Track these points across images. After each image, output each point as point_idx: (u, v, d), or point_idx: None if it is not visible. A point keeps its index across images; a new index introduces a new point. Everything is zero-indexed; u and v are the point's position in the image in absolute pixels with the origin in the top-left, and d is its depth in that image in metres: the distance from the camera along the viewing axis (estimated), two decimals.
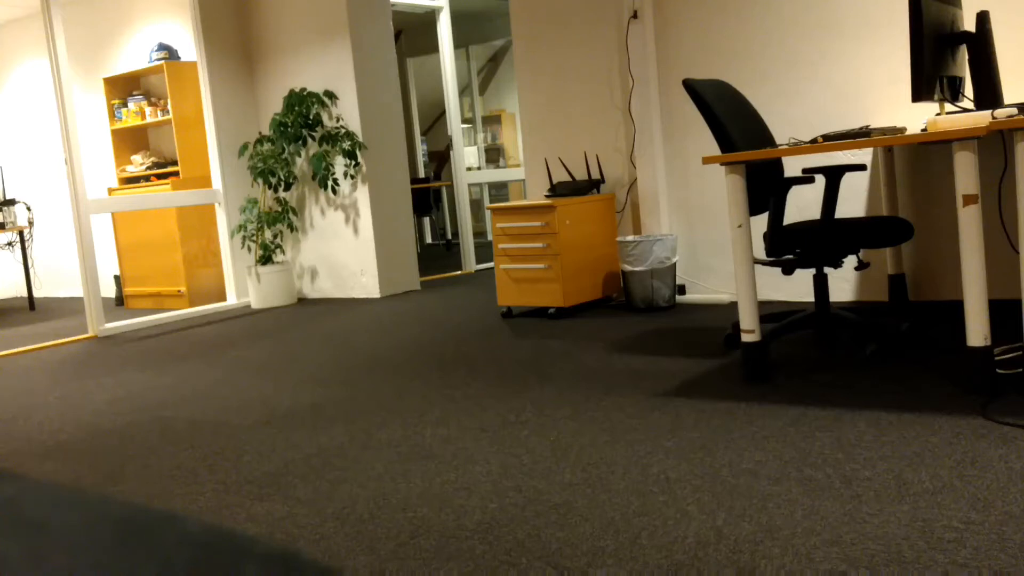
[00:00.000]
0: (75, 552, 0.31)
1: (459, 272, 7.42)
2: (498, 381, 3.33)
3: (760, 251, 4.39)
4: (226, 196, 6.38)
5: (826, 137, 2.90)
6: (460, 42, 10.30)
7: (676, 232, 4.82)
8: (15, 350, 5.30)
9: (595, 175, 5.07)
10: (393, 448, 2.60)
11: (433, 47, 8.05)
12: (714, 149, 4.63)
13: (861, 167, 3.19)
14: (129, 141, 7.37)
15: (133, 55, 7.37)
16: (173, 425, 3.13)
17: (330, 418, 3.02)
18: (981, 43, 3.04)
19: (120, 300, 7.37)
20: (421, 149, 11.19)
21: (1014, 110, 2.55)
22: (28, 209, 7.69)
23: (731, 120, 3.15)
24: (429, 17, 9.40)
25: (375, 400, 3.21)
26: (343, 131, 6.03)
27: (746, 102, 3.47)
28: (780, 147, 2.98)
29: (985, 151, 3.82)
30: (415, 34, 10.73)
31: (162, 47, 6.83)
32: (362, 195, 6.10)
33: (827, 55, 4.22)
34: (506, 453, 2.45)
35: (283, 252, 6.55)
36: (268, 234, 6.44)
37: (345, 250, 6.27)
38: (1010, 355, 2.93)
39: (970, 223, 2.52)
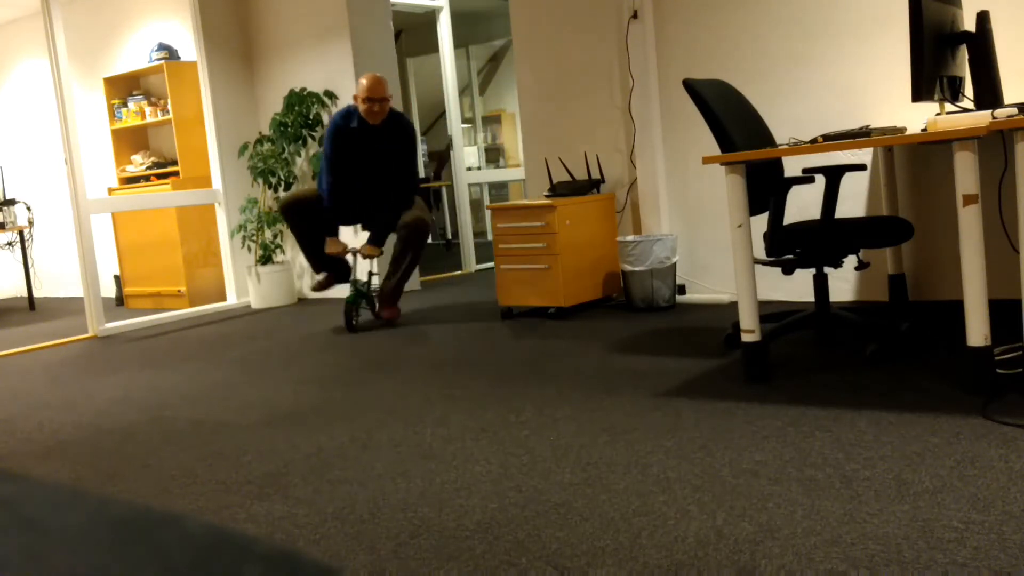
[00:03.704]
0: (75, 552, 0.31)
1: (459, 272, 7.42)
2: (498, 381, 3.33)
3: (760, 251, 4.39)
4: (226, 196, 6.38)
5: (826, 137, 2.90)
6: (460, 42, 10.30)
7: (676, 232, 4.82)
8: (15, 350, 5.30)
9: (595, 175, 5.07)
10: (393, 448, 2.60)
11: (433, 47, 8.06)
12: (714, 149, 4.63)
13: (861, 167, 3.19)
14: (129, 141, 7.37)
15: (133, 55, 7.37)
16: (173, 425, 3.13)
17: (330, 418, 3.02)
18: (981, 43, 3.04)
19: (120, 300, 7.37)
20: (421, 149, 11.19)
21: (1014, 110, 2.55)
22: (28, 209, 7.68)
23: (731, 120, 3.15)
24: (429, 17, 9.40)
25: (375, 400, 3.21)
26: None
27: (746, 102, 3.47)
28: (780, 147, 2.98)
29: (985, 151, 3.82)
30: (415, 34, 10.74)
31: (162, 47, 6.82)
32: None
33: (827, 55, 4.22)
34: (506, 453, 2.45)
35: (283, 252, 6.55)
36: (268, 234, 6.44)
37: None
38: (1010, 355, 2.92)
39: (970, 223, 2.52)
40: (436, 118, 11.25)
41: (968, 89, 3.17)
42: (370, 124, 4.68)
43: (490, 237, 7.45)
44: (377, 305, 4.96)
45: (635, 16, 4.71)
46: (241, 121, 6.50)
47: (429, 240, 11.33)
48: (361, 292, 4.84)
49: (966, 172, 2.51)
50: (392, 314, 4.90)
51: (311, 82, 6.22)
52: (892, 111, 4.08)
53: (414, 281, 6.44)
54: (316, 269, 4.95)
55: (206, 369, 4.13)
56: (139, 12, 7.27)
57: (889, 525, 1.76)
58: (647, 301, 4.58)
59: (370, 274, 4.97)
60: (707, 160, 2.94)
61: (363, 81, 4.64)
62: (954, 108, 2.95)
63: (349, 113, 4.72)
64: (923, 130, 2.75)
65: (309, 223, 4.81)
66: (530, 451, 2.45)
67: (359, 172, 4.78)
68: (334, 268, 4.95)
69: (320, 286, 4.89)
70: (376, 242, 4.77)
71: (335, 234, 4.81)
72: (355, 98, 4.70)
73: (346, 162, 4.74)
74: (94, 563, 0.31)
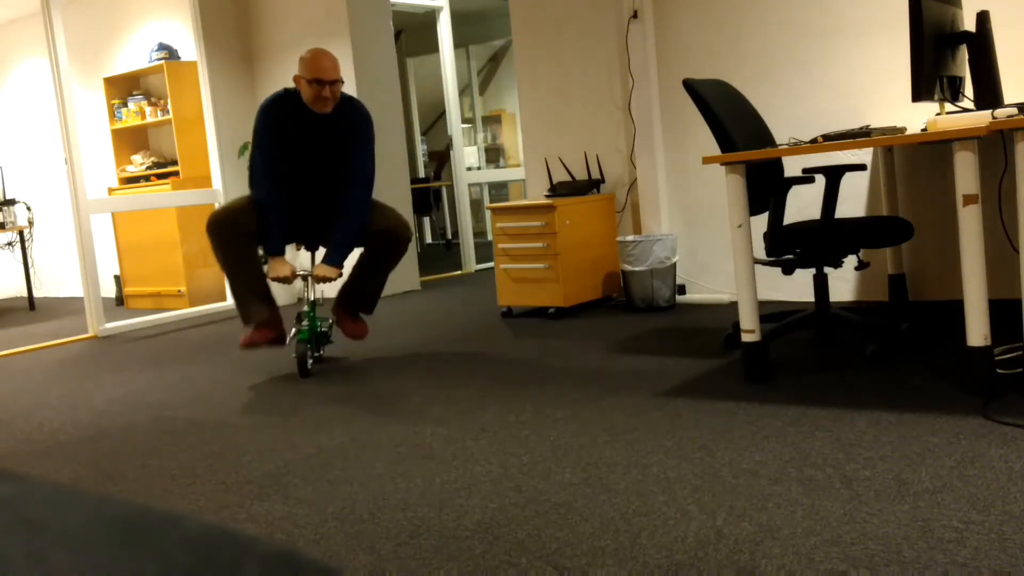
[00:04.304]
0: (75, 552, 0.31)
1: (459, 272, 7.42)
2: (498, 381, 3.33)
3: (760, 251, 4.39)
4: (226, 196, 6.38)
5: (826, 137, 2.90)
6: (460, 42, 10.30)
7: (676, 232, 4.82)
8: (15, 350, 5.30)
9: (595, 175, 5.08)
10: (393, 448, 2.60)
11: (433, 47, 8.06)
12: (714, 149, 4.63)
13: (861, 167, 3.19)
14: (129, 141, 7.37)
15: (133, 55, 7.37)
16: (173, 425, 3.13)
17: (330, 418, 3.02)
18: (981, 43, 3.04)
19: (120, 300, 7.37)
20: (421, 149, 11.19)
21: (1014, 110, 2.55)
22: (28, 209, 7.68)
23: (731, 120, 3.15)
24: (429, 17, 9.40)
25: (375, 400, 3.21)
26: None
27: (746, 102, 3.47)
28: (780, 147, 2.98)
29: (985, 151, 3.82)
30: (415, 34, 10.73)
31: (162, 47, 6.83)
32: None
33: (827, 55, 4.22)
34: (506, 453, 2.45)
35: None
36: None
37: None
38: (1010, 355, 2.92)
39: (970, 223, 2.52)
40: (436, 118, 11.25)
41: (968, 89, 3.17)
42: (316, 113, 3.62)
43: (490, 237, 7.45)
44: (334, 318, 3.91)
45: (635, 16, 4.71)
46: (241, 121, 6.50)
47: (430, 240, 11.35)
48: (316, 328, 3.81)
49: (966, 172, 2.51)
50: (360, 331, 3.83)
51: None
52: (892, 111, 4.08)
53: (413, 281, 6.44)
54: (246, 318, 3.67)
55: (206, 369, 4.13)
56: (139, 12, 7.27)
57: (889, 525, 1.76)
58: (647, 301, 4.58)
59: (314, 303, 3.80)
60: (707, 160, 2.94)
61: (307, 58, 3.54)
62: (954, 108, 2.95)
63: (287, 98, 3.64)
64: (923, 130, 2.75)
65: (244, 249, 3.57)
66: (530, 451, 2.45)
67: (304, 175, 3.70)
68: (270, 323, 3.70)
69: (248, 342, 3.66)
70: (333, 260, 3.63)
71: (280, 253, 3.65)
72: (296, 80, 3.61)
73: (288, 162, 3.66)
74: (94, 563, 0.31)
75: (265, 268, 3.68)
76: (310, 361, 3.77)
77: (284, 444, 2.76)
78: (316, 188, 3.75)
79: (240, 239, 3.56)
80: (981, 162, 3.84)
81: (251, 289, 3.64)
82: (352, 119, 3.69)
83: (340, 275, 3.67)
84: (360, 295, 3.85)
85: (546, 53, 5.17)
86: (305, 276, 3.73)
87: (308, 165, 3.69)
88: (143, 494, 2.43)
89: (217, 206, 6.38)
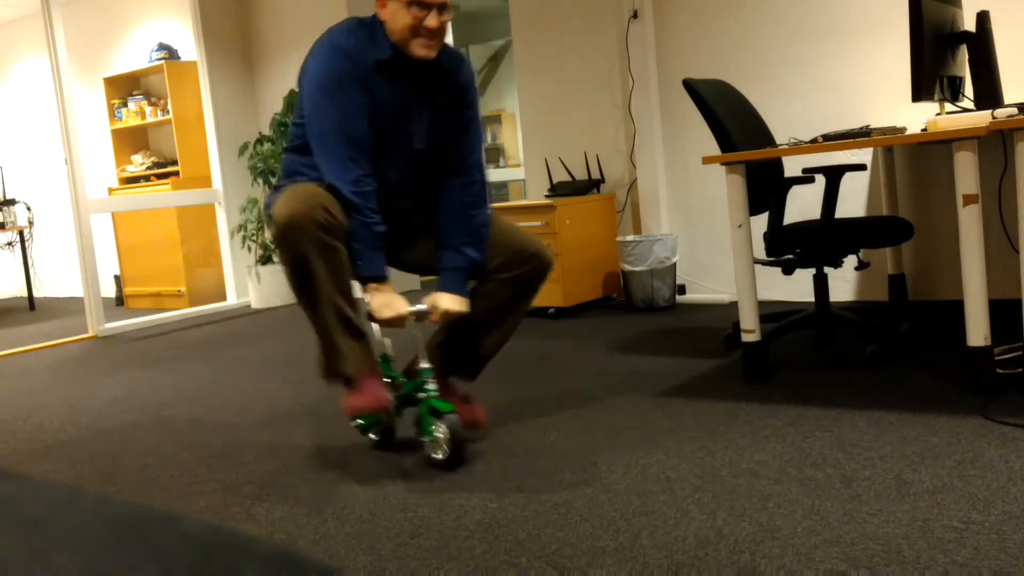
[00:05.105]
0: (75, 552, 0.31)
1: None
2: (498, 381, 3.33)
3: (760, 251, 4.38)
4: (226, 196, 6.38)
5: (826, 137, 2.90)
6: (460, 42, 10.30)
7: (676, 232, 4.82)
8: (15, 350, 5.30)
9: (595, 175, 5.07)
10: (393, 448, 2.60)
11: None
12: (714, 149, 4.63)
13: (861, 167, 3.19)
14: (129, 141, 7.37)
15: (133, 55, 7.37)
16: (173, 425, 3.13)
17: (330, 418, 3.02)
18: (981, 43, 3.04)
19: (120, 300, 7.37)
20: None
21: (1014, 110, 2.55)
22: (28, 209, 7.68)
23: (731, 120, 3.15)
24: None
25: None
26: None
27: (746, 102, 3.47)
28: (780, 147, 2.98)
29: (985, 151, 3.82)
30: None
31: (162, 47, 6.82)
32: None
33: (827, 55, 4.22)
34: (506, 453, 2.45)
35: None
36: (268, 234, 6.43)
37: None
38: (1010, 355, 2.92)
39: (970, 223, 2.52)
40: None
41: (968, 89, 3.17)
42: (416, 59, 2.30)
43: None
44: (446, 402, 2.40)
45: (635, 16, 4.71)
46: (241, 121, 6.50)
47: None
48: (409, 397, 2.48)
49: (966, 172, 2.50)
50: (480, 414, 2.52)
51: None
52: (892, 111, 4.08)
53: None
54: (342, 365, 2.35)
55: (206, 369, 4.13)
56: (139, 12, 7.27)
57: (889, 525, 1.76)
58: (647, 301, 4.58)
59: (387, 359, 2.58)
60: (707, 160, 2.94)
61: None
62: (954, 108, 2.95)
63: (367, 31, 2.34)
64: (923, 130, 2.75)
65: (339, 256, 2.26)
66: (530, 451, 2.45)
67: (392, 158, 2.40)
68: (375, 372, 2.37)
69: (360, 407, 2.31)
70: (455, 287, 2.48)
71: (386, 278, 2.37)
72: (380, 6, 2.32)
73: (369, 136, 2.32)
74: (94, 563, 0.31)
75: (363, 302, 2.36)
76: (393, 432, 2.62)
77: (284, 444, 2.75)
78: (405, 179, 2.46)
79: (334, 239, 2.23)
80: (981, 162, 3.84)
81: (346, 321, 2.32)
82: (461, 74, 2.45)
83: (468, 310, 2.46)
84: (474, 351, 2.57)
85: (546, 53, 5.17)
86: (422, 315, 2.41)
87: (399, 142, 2.40)
88: (143, 494, 2.43)
89: (217, 206, 6.35)
